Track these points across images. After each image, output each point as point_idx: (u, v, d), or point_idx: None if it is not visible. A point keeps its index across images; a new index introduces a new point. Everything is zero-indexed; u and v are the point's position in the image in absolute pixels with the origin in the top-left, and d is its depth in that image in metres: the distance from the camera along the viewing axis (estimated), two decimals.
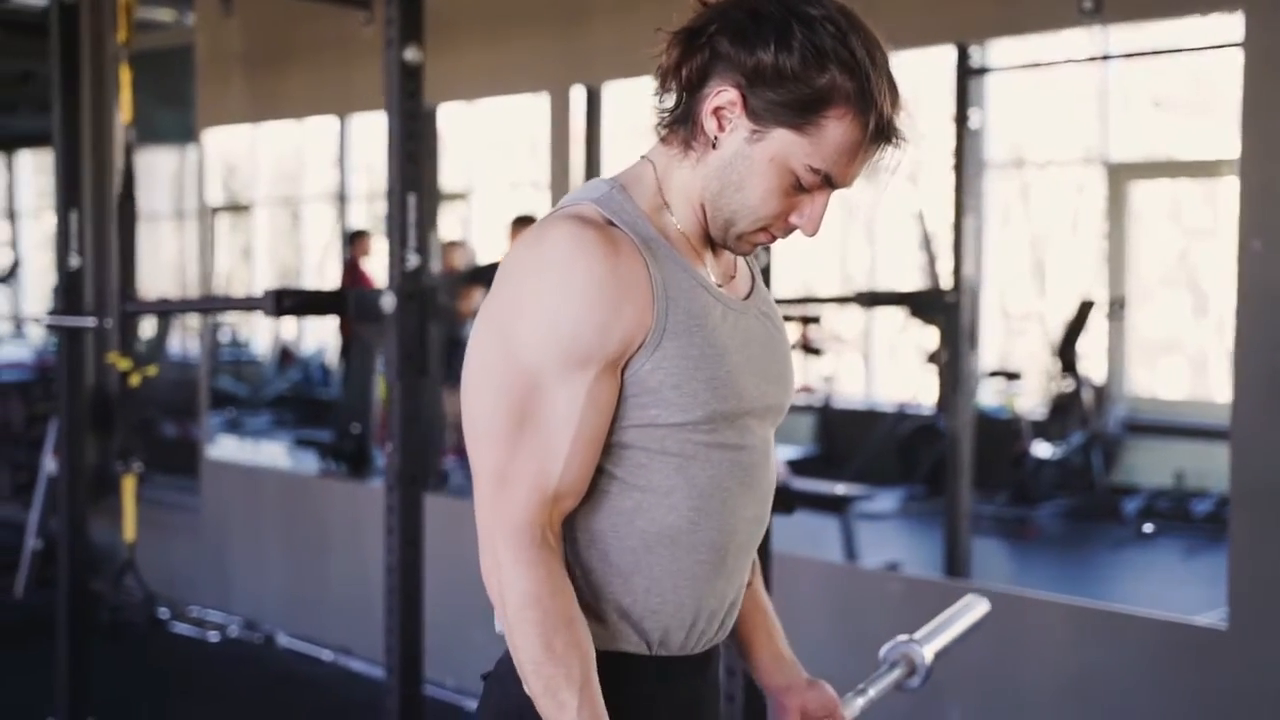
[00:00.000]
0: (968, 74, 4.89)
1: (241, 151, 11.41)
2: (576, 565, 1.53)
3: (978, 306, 5.02)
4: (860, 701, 1.79)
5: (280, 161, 11.41)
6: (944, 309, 5.01)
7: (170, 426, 7.57)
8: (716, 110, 1.51)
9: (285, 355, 10.65)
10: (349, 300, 3.88)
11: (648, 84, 1.57)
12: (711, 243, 1.60)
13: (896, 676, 1.86)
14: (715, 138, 1.52)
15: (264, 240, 11.74)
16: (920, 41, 4.60)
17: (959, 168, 4.91)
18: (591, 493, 1.52)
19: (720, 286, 1.60)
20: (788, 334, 1.71)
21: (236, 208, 11.63)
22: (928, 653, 1.86)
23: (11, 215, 14.81)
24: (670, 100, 1.56)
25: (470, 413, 1.51)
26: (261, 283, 11.20)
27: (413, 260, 3.49)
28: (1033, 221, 9.20)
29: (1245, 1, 3.66)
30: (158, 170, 8.51)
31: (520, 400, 1.46)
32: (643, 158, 1.61)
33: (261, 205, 11.58)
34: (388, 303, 3.49)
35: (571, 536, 1.53)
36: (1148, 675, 3.76)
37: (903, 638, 1.87)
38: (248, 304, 5.01)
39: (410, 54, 3.86)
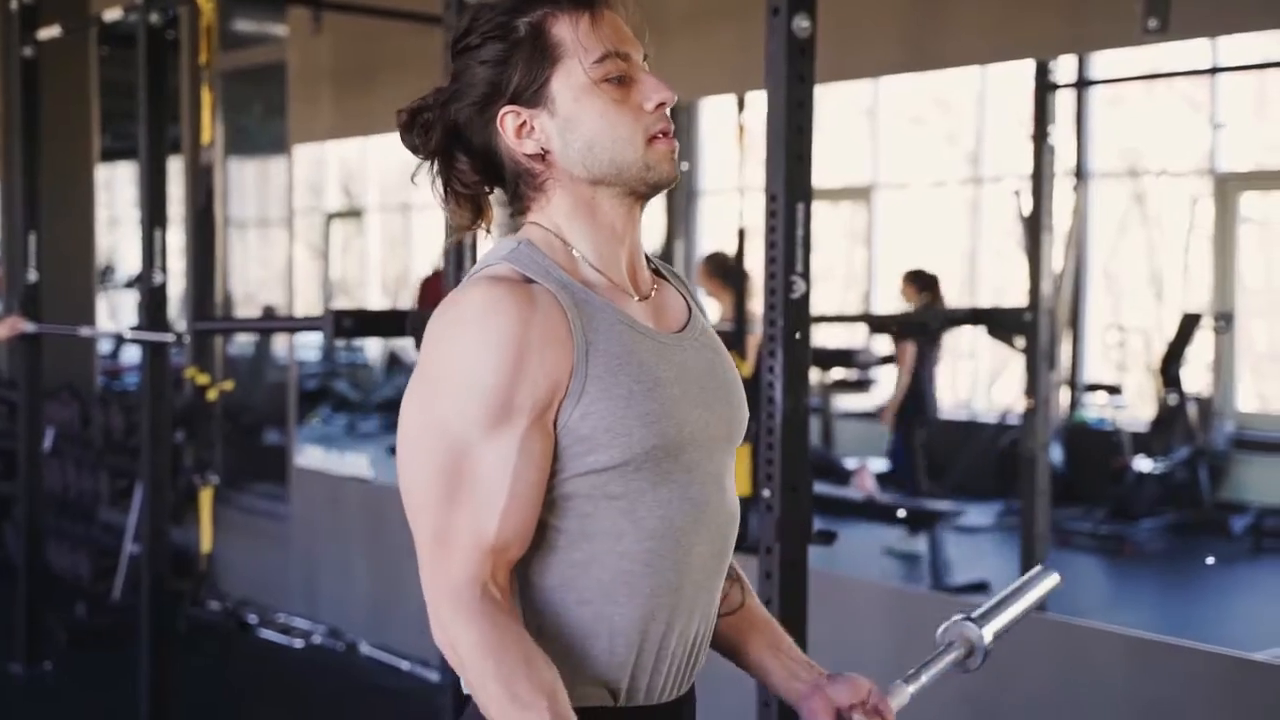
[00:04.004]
0: (1046, 89, 4.82)
1: (355, 159, 11.60)
2: (533, 624, 1.53)
3: (1057, 325, 4.94)
4: (910, 689, 1.66)
5: (393, 171, 11.56)
6: (1021, 328, 4.93)
7: (274, 434, 7.69)
8: (518, 130, 1.55)
9: (393, 360, 10.80)
10: (408, 321, 3.96)
11: None
12: (636, 280, 1.61)
13: (952, 659, 1.71)
14: (543, 150, 1.56)
15: (376, 246, 11.92)
16: (990, 59, 4.54)
17: (1037, 185, 4.83)
18: (542, 549, 1.52)
19: (649, 322, 1.59)
20: (731, 360, 1.69)
21: (352, 213, 11.81)
22: (986, 633, 1.71)
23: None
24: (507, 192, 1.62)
25: (404, 484, 1.52)
26: (373, 289, 11.40)
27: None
28: (1147, 232, 8.98)
29: None
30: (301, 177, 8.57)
31: (450, 464, 1.47)
32: (530, 223, 1.61)
33: (374, 212, 11.74)
34: None
35: (527, 596, 1.54)
36: (1213, 713, 3.66)
37: (959, 616, 1.73)
38: (308, 324, 5.09)
39: None
